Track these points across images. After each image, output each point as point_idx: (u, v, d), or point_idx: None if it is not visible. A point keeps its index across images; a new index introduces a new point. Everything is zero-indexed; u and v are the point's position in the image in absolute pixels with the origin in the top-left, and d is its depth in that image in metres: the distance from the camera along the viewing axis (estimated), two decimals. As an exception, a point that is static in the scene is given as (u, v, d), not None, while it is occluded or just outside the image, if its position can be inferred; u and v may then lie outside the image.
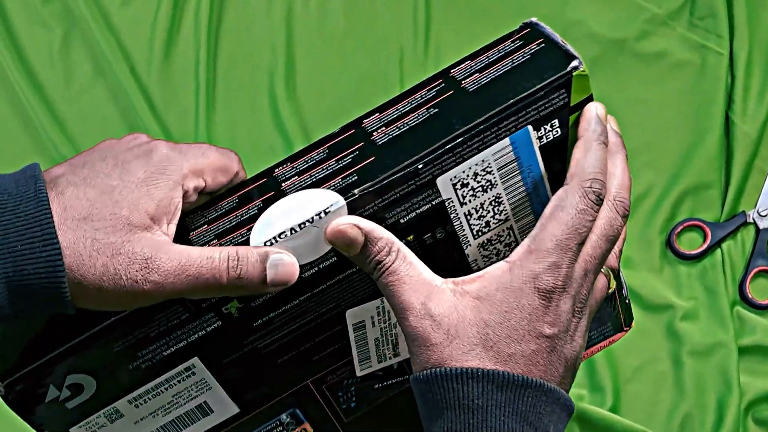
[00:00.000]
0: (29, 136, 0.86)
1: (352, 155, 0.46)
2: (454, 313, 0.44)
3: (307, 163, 0.48)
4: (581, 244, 0.44)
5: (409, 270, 0.45)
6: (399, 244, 0.45)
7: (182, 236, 0.47)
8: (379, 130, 0.47)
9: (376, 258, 0.45)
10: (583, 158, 0.46)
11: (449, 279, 0.45)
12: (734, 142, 0.85)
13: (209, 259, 0.43)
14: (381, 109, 0.48)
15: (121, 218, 0.42)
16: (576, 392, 0.79)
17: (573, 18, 0.89)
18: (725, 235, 0.84)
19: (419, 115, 0.46)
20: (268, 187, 0.47)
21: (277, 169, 0.49)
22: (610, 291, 0.52)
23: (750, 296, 0.81)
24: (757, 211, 0.84)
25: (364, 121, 0.48)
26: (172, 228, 0.45)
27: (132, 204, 0.43)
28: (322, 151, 0.48)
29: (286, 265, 0.45)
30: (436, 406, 0.44)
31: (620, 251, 0.51)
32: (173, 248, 0.43)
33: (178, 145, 0.47)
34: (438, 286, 0.45)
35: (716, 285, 0.82)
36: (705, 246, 0.83)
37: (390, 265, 0.45)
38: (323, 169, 0.47)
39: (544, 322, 0.44)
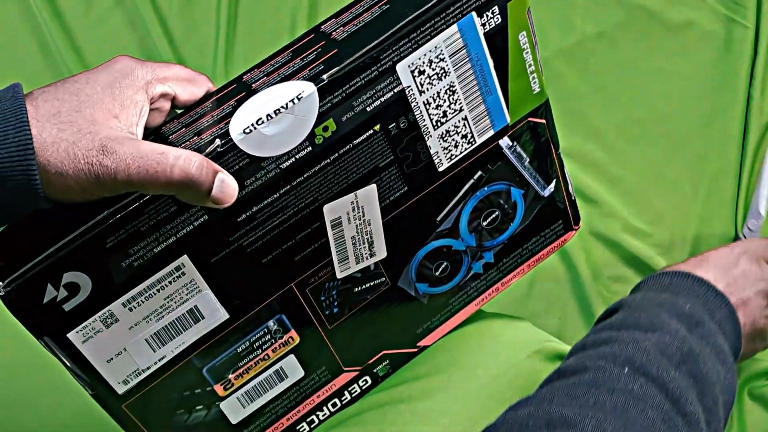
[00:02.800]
0: (45, 61, 0.88)
1: (315, 52, 0.52)
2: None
3: (273, 66, 0.53)
4: None
5: None
6: None
7: (161, 142, 0.51)
8: (338, 30, 0.52)
9: None
10: None
11: None
12: (752, 119, 0.88)
13: (162, 154, 0.46)
14: (336, 15, 0.54)
15: (85, 114, 0.46)
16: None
17: (601, -21, 0.92)
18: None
19: (373, 13, 0.52)
20: (240, 90, 0.52)
21: (245, 76, 0.54)
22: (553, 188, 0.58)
23: None
24: (747, 227, 0.87)
25: (322, 26, 0.54)
26: (138, 130, 0.49)
27: (96, 103, 0.47)
28: (287, 55, 0.53)
29: (231, 186, 0.48)
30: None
31: None
32: (131, 140, 0.47)
33: (143, 60, 0.51)
34: None
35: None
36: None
37: None
38: (290, 68, 0.52)
39: None
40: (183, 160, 0.46)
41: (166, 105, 0.52)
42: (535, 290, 0.91)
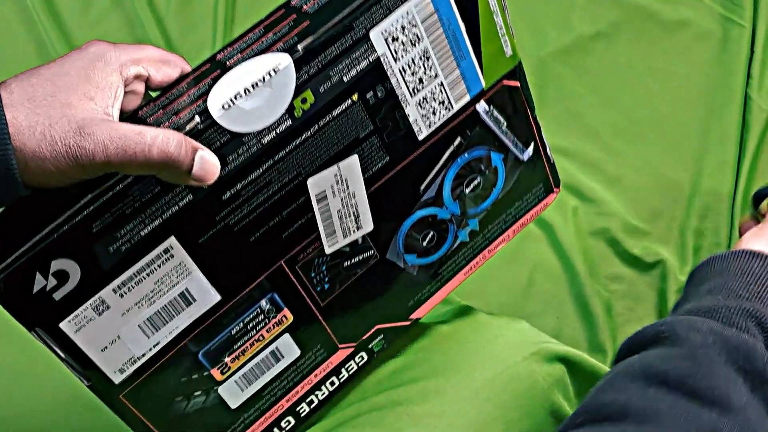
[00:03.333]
0: (42, 61, 0.87)
1: (287, 25, 0.52)
2: None
3: (246, 43, 0.53)
4: None
5: None
6: None
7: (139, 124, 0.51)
8: (309, 3, 0.53)
9: None
10: None
11: None
12: (750, 116, 0.89)
13: (140, 134, 0.46)
14: None
15: (60, 98, 0.46)
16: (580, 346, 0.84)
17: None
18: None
19: None
20: (214, 68, 0.52)
21: (218, 55, 0.54)
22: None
23: None
24: None
25: (292, 2, 0.54)
26: (114, 112, 0.48)
27: (71, 86, 0.47)
28: (258, 31, 0.53)
29: (212, 162, 0.49)
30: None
31: None
32: (108, 122, 0.47)
33: (117, 43, 0.51)
34: None
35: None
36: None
37: None
38: (263, 42, 0.52)
39: None
40: (161, 139, 0.46)
41: (141, 87, 0.52)
42: (533, 290, 0.92)
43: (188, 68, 0.54)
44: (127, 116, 0.52)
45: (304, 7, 0.53)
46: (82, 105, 0.46)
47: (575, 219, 0.92)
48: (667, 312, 0.85)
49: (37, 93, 0.46)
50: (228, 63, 0.52)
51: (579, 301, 0.91)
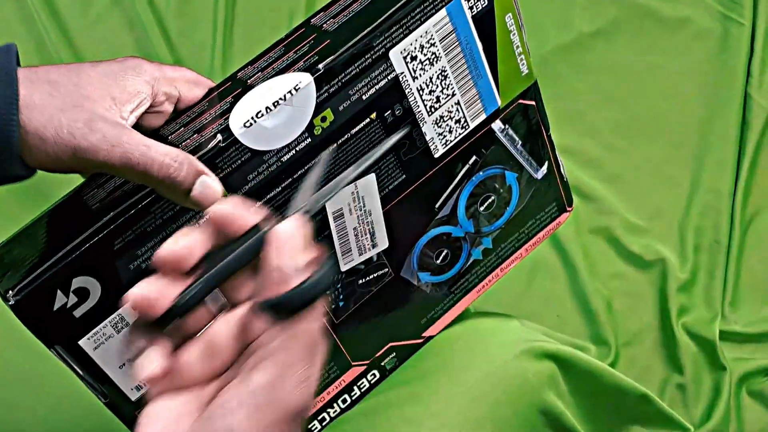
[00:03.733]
0: (42, 60, 0.89)
1: (308, 44, 0.52)
2: None
3: (267, 61, 0.53)
4: None
5: None
6: None
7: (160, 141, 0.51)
8: (329, 22, 0.53)
9: None
10: None
11: None
12: (750, 114, 0.90)
13: (147, 146, 0.46)
14: (325, 8, 0.55)
15: (81, 89, 0.46)
16: (581, 344, 0.84)
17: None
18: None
19: (362, 2, 0.53)
20: (236, 87, 0.53)
21: (239, 73, 0.54)
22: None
23: None
24: None
25: (312, 20, 0.55)
26: (132, 118, 0.48)
27: (97, 82, 0.47)
28: (279, 49, 0.54)
29: (213, 189, 0.48)
30: None
31: None
32: (120, 125, 0.46)
33: (156, 61, 0.52)
34: None
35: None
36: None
37: None
38: (284, 61, 0.52)
39: None
40: (165, 157, 0.46)
41: (169, 108, 0.52)
42: (533, 288, 0.92)
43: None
44: (148, 134, 0.52)
45: (324, 25, 0.53)
46: (101, 102, 0.46)
47: (575, 217, 0.92)
48: (667, 309, 0.85)
49: (61, 79, 0.46)
50: (249, 81, 0.52)
51: (579, 299, 0.91)
